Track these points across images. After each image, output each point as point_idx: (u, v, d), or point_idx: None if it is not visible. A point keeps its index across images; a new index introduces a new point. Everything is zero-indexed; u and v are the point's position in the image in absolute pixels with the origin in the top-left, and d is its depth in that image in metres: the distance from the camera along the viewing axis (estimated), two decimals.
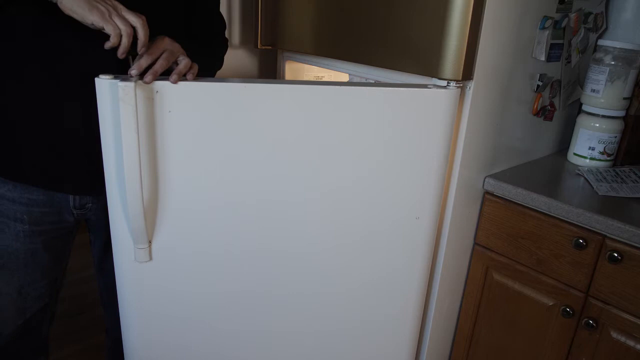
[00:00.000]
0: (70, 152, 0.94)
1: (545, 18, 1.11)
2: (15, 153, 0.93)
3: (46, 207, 0.98)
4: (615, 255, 0.99)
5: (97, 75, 0.81)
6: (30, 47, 0.85)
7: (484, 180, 1.17)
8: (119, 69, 0.85)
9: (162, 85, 0.82)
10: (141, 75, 0.81)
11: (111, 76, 0.79)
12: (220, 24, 1.13)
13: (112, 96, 0.79)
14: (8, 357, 1.07)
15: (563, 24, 1.17)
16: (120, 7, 0.77)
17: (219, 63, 1.14)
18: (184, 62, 0.84)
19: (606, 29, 1.38)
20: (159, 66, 0.81)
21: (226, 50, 1.16)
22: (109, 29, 0.75)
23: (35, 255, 1.00)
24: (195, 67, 0.87)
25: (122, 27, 0.76)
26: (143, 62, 0.80)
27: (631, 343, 1.01)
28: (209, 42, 1.09)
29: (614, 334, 1.03)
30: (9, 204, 0.96)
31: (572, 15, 1.19)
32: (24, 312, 1.04)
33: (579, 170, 1.25)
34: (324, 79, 1.52)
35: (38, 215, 0.98)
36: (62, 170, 0.95)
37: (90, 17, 0.74)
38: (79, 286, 1.98)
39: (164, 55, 0.81)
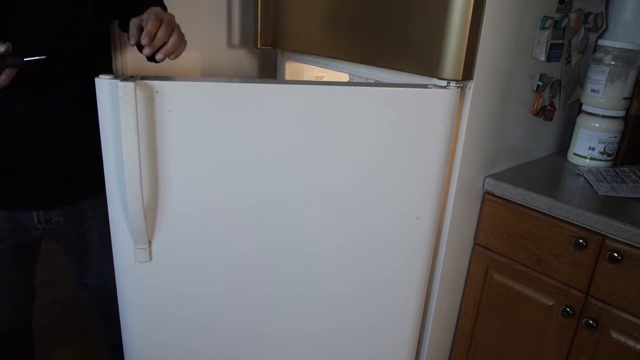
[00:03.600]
0: (32, 170, 0.92)
1: (545, 18, 1.11)
2: None
3: (9, 223, 0.96)
4: (615, 255, 0.99)
5: (54, 96, 0.81)
6: None
7: (484, 180, 1.17)
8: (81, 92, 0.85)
9: (162, 85, 0.82)
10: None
11: (111, 76, 0.79)
12: None
13: (112, 96, 0.79)
14: None
15: (563, 24, 1.17)
16: None
17: None
18: (173, 38, 0.84)
19: (606, 29, 1.38)
20: (177, 43, 0.83)
21: None
22: None
23: (2, 275, 0.99)
24: (183, 46, 0.87)
25: None
26: (158, 40, 0.81)
27: (631, 343, 1.01)
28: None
29: (614, 334, 1.03)
30: None
31: (572, 15, 1.19)
32: None
33: (579, 170, 1.24)
34: (324, 79, 1.52)
35: (1, 234, 0.96)
36: (23, 190, 0.94)
37: None
38: (76, 286, 1.97)
39: (177, 32, 0.83)
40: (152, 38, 0.80)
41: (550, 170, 1.27)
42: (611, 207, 1.03)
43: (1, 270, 0.99)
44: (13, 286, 1.03)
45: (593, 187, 1.13)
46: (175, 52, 0.86)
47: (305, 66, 1.43)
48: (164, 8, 1.06)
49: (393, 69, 1.07)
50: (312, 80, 1.50)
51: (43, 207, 0.98)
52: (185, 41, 0.89)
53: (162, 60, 0.84)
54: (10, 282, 1.02)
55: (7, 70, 0.75)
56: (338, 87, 0.92)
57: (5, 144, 0.90)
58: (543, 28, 1.12)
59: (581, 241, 1.03)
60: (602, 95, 1.23)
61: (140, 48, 0.87)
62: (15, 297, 1.05)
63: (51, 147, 0.93)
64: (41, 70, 0.84)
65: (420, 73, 1.02)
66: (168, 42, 0.83)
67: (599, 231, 1.01)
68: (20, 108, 0.89)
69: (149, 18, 0.83)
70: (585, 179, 1.19)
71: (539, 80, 1.19)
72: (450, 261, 1.19)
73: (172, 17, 0.89)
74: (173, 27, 0.84)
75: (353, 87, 0.92)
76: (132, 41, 0.84)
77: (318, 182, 0.97)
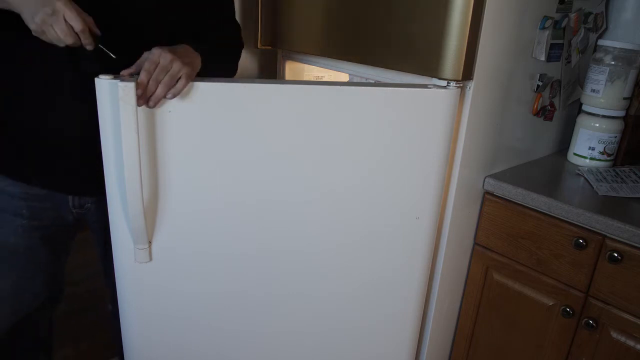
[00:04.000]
0: (69, 155, 0.94)
1: (545, 18, 1.11)
2: (15, 153, 0.94)
3: (46, 202, 0.99)
4: (615, 255, 0.99)
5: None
6: (30, 49, 0.85)
7: (484, 180, 1.17)
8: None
9: None
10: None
11: (111, 76, 0.79)
12: (236, 31, 1.13)
13: (112, 96, 0.79)
14: (2, 356, 1.07)
15: (563, 24, 1.17)
16: (64, 11, 0.74)
17: (235, 68, 1.13)
18: (180, 84, 0.82)
19: (606, 29, 1.38)
20: (162, 92, 0.81)
21: (240, 54, 1.15)
22: (46, 39, 0.76)
23: (33, 251, 1.01)
24: (181, 84, 0.85)
25: (61, 36, 0.76)
26: (148, 92, 0.80)
27: (631, 343, 1.01)
28: (227, 50, 1.09)
29: (614, 334, 1.03)
30: (9, 198, 0.96)
31: (572, 15, 1.19)
32: (18, 311, 1.04)
33: (579, 170, 1.24)
34: (324, 79, 1.52)
35: (37, 210, 0.98)
36: (60, 172, 0.96)
37: (31, 25, 0.75)
38: (85, 283, 1.97)
39: (165, 80, 0.80)
40: (145, 88, 0.79)
41: (550, 170, 1.27)
42: (611, 207, 1.03)
43: (33, 246, 1.01)
44: (43, 266, 1.04)
45: (593, 187, 1.13)
46: (172, 92, 0.82)
47: (305, 66, 1.43)
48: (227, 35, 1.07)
49: (393, 69, 1.07)
50: (312, 80, 1.50)
51: (78, 193, 1.01)
52: (186, 76, 0.83)
53: (153, 107, 0.82)
54: (40, 261, 1.03)
55: (81, 43, 0.78)
56: (338, 87, 0.92)
57: (52, 129, 0.92)
58: (543, 28, 1.12)
59: (581, 241, 1.03)
60: (602, 95, 1.23)
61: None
62: (43, 279, 1.05)
63: (92, 137, 0.93)
64: (99, 63, 0.84)
65: (420, 73, 1.02)
66: (157, 89, 0.81)
67: (599, 231, 1.01)
68: (67, 95, 0.90)
69: (145, 62, 0.81)
70: (585, 179, 1.19)
71: (539, 80, 1.19)
72: (450, 261, 1.19)
73: (184, 54, 0.84)
74: (166, 71, 0.80)
75: (353, 87, 0.93)
76: (125, 72, 0.82)
77: (318, 182, 0.97)
